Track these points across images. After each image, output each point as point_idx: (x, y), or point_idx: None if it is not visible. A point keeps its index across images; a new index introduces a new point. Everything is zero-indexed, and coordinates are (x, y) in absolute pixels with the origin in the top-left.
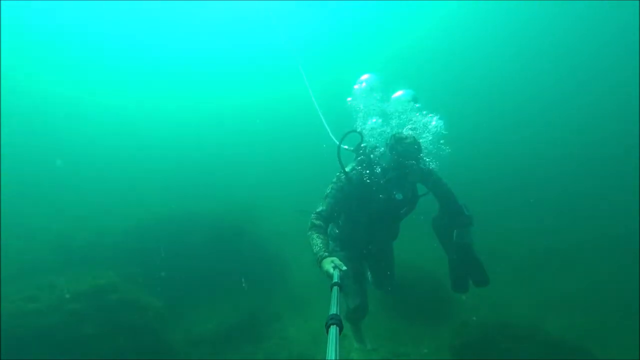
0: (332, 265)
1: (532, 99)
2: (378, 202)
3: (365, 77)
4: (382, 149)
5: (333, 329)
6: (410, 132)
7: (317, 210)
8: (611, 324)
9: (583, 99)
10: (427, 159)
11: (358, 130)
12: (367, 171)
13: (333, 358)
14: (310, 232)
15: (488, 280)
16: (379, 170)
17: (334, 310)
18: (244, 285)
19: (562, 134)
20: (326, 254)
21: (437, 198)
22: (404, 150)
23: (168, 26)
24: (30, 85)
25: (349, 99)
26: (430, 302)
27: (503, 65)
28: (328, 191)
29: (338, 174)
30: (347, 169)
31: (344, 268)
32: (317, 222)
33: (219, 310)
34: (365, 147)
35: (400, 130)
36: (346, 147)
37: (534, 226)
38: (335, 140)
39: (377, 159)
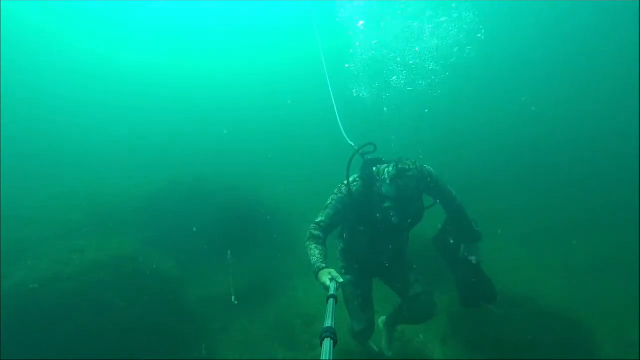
0: (329, 277)
1: (535, 68)
2: (376, 220)
3: None
4: (384, 168)
5: (327, 342)
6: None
7: (317, 220)
8: (610, 295)
9: (585, 68)
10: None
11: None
12: (367, 186)
13: None
14: (308, 243)
15: (496, 297)
16: (377, 189)
17: (329, 323)
18: (229, 258)
19: (567, 106)
20: (323, 265)
21: (445, 209)
22: (404, 184)
23: None
24: (54, 49)
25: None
26: (432, 268)
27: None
28: (328, 202)
29: (340, 185)
30: (350, 179)
31: (341, 280)
32: (316, 232)
33: (231, 274)
34: (368, 158)
35: (404, 159)
36: (360, 150)
37: (541, 194)
38: (352, 143)
39: (377, 176)
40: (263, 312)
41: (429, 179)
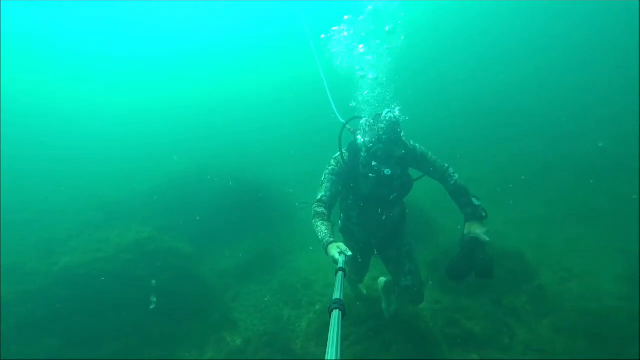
0: (338, 250)
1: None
2: (368, 182)
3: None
4: (366, 128)
5: (336, 313)
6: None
7: (317, 198)
8: (560, 239)
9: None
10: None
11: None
12: (354, 155)
13: (335, 342)
14: (314, 220)
15: (493, 274)
16: (363, 153)
17: (337, 295)
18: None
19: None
20: (332, 239)
21: (444, 186)
22: (382, 128)
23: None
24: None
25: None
26: (416, 225)
27: None
28: (322, 178)
29: (330, 160)
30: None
31: (349, 253)
32: (319, 209)
33: (238, 250)
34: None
35: (379, 112)
36: (352, 129)
37: (516, 155)
38: (342, 120)
39: (362, 139)
40: (269, 280)
41: (414, 150)
